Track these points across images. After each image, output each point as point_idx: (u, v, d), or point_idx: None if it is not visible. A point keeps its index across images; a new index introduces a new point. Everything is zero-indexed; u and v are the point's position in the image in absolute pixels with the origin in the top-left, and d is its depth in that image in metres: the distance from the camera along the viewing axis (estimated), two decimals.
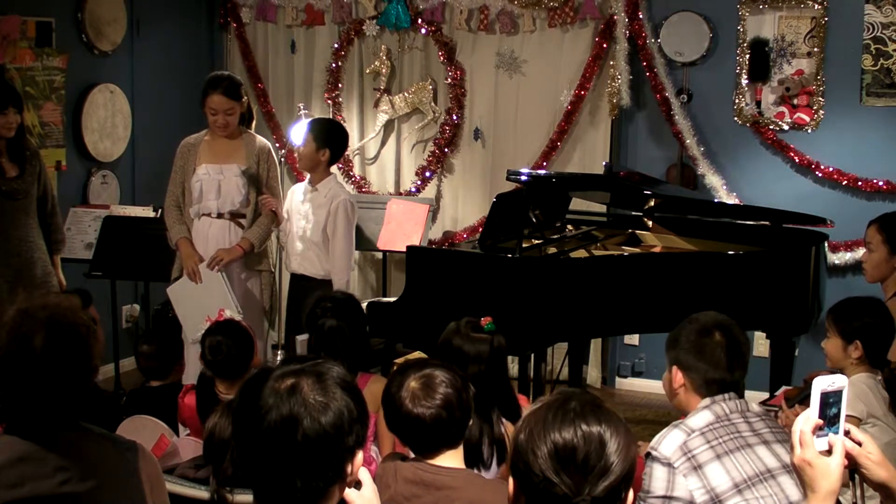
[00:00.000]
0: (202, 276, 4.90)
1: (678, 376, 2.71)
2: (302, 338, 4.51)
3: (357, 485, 1.76)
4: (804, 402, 1.85)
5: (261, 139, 5.13)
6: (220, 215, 5.00)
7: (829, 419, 1.71)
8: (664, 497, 2.52)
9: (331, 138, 5.08)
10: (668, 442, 2.57)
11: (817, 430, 1.70)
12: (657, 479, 2.54)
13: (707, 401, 2.66)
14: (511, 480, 1.66)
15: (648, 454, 2.58)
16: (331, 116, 6.72)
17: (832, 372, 2.92)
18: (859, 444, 1.76)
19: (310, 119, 5.48)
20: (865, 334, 3.41)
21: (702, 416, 2.62)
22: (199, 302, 4.81)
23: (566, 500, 1.55)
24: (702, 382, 2.67)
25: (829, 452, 1.72)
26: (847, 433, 1.75)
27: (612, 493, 1.56)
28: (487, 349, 3.15)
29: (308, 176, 5.15)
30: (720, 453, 2.55)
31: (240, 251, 4.95)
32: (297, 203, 5.12)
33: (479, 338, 3.18)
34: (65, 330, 2.08)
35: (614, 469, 1.57)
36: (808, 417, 1.71)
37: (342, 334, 3.53)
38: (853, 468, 1.78)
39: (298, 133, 5.92)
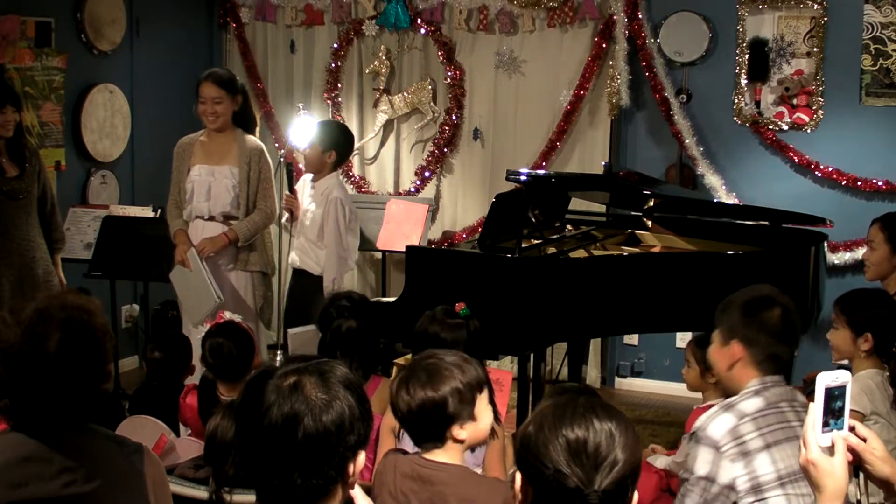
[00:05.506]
0: (191, 264, 4.98)
1: (736, 349, 2.64)
2: (294, 331, 4.52)
3: None
4: (809, 396, 1.86)
5: (253, 140, 5.16)
6: (211, 217, 5.03)
7: (833, 413, 1.71)
8: (706, 479, 2.51)
9: (336, 141, 5.15)
10: (717, 424, 2.54)
11: (823, 427, 1.71)
12: (701, 460, 2.52)
13: (756, 384, 2.62)
14: (519, 475, 1.67)
15: (694, 433, 2.56)
16: (330, 116, 6.73)
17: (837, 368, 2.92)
18: (864, 441, 1.77)
19: (317, 122, 5.48)
20: (876, 326, 3.38)
21: (753, 401, 2.58)
22: (191, 289, 5.00)
23: (577, 493, 1.57)
24: (763, 357, 2.62)
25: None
26: (852, 429, 1.75)
27: (620, 487, 1.58)
28: (465, 334, 3.20)
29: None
30: (770, 442, 2.52)
31: (224, 240, 4.98)
32: (304, 197, 5.21)
33: (456, 323, 3.24)
34: (81, 332, 2.06)
35: (623, 463, 1.59)
36: (814, 419, 1.72)
37: (360, 336, 3.52)
38: (857, 464, 1.79)
39: (299, 133, 5.94)
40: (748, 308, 2.66)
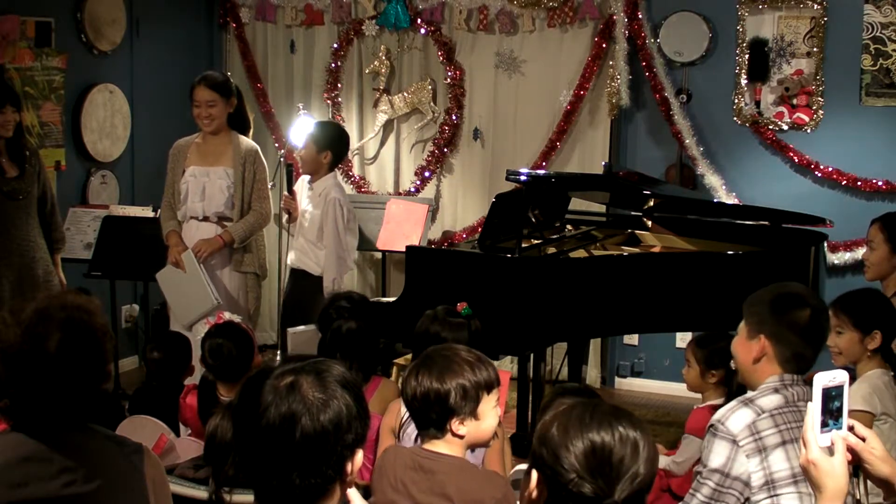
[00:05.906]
0: (185, 265, 4.98)
1: (763, 345, 2.64)
2: (294, 330, 4.52)
3: None
4: None
5: (248, 142, 5.16)
6: (205, 218, 5.03)
7: (832, 413, 1.72)
8: (721, 473, 2.51)
9: (331, 141, 5.15)
10: (736, 418, 2.54)
11: (822, 427, 1.71)
12: (717, 453, 2.53)
13: (775, 380, 2.61)
14: (535, 473, 1.67)
15: (712, 426, 2.56)
16: (330, 116, 6.74)
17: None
18: (863, 440, 1.77)
19: (314, 122, 5.52)
20: (884, 322, 3.36)
21: (772, 398, 2.58)
22: (183, 290, 4.99)
23: (594, 501, 1.57)
24: (789, 355, 2.61)
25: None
26: (851, 428, 1.76)
27: (636, 497, 1.59)
28: (466, 334, 3.21)
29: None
30: (786, 439, 2.53)
31: (220, 242, 4.99)
32: (303, 198, 5.21)
33: (457, 323, 3.24)
34: (81, 332, 2.06)
35: (643, 477, 1.60)
36: (813, 420, 1.72)
37: (360, 337, 3.52)
38: (857, 464, 1.79)
39: (298, 133, 5.94)
40: (778, 305, 2.65)
